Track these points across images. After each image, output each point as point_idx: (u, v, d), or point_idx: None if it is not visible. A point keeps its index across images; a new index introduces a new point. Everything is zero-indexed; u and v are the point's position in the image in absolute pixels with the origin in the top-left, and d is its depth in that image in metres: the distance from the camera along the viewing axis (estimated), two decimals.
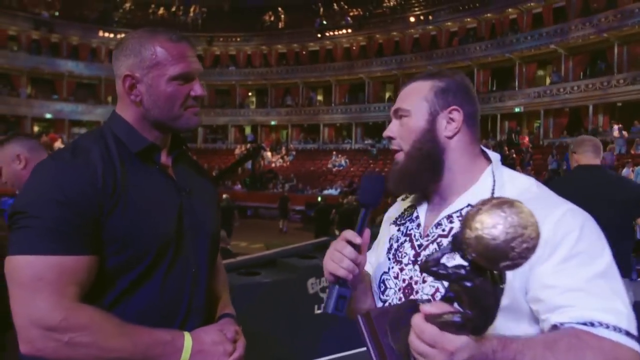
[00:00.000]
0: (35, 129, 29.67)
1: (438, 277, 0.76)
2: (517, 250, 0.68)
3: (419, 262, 1.08)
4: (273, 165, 28.77)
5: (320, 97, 32.76)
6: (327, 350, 4.20)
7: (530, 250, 0.69)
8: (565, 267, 0.93)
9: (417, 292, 1.07)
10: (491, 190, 1.07)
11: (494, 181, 1.09)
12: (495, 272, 0.73)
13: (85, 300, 1.06)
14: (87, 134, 1.24)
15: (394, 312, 0.92)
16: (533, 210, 0.93)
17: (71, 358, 1.03)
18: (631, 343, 0.88)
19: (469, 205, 1.07)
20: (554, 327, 0.92)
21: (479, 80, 25.98)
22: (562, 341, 0.86)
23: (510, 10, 25.31)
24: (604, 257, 0.96)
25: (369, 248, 1.25)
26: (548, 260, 0.94)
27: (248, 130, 33.35)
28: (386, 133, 1.16)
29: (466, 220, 0.71)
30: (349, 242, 1.04)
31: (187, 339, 1.13)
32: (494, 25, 26.08)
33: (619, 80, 20.51)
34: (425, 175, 1.10)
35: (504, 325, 0.93)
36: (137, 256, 1.12)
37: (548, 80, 24.38)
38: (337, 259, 1.03)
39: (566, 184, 3.22)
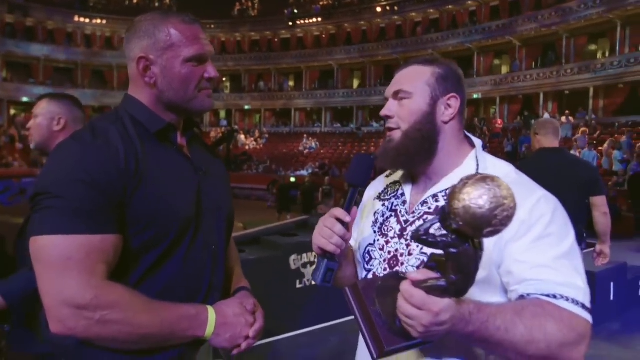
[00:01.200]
0: (12, 112, 28.50)
1: (428, 244, 0.80)
2: (499, 218, 0.73)
3: (405, 236, 1.10)
4: (247, 147, 28.50)
5: (291, 83, 32.50)
6: (309, 322, 4.24)
7: (509, 218, 0.74)
8: (536, 246, 0.97)
9: (402, 264, 1.08)
10: (475, 173, 1.08)
11: (477, 165, 1.11)
12: (475, 240, 0.78)
13: (112, 279, 1.03)
14: (103, 116, 1.18)
15: (379, 283, 0.94)
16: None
17: (102, 336, 1.00)
18: (585, 315, 0.95)
19: (453, 186, 1.09)
20: (521, 297, 0.97)
21: None
22: (528, 309, 0.91)
23: (470, 2, 25.50)
24: (569, 239, 1.01)
25: None
26: (522, 239, 0.98)
27: (223, 114, 32.87)
28: (384, 112, 1.14)
29: (453, 193, 0.75)
30: (339, 220, 1.05)
31: (211, 312, 1.11)
32: (455, 17, 26.26)
33: (567, 70, 21.03)
34: (420, 155, 1.10)
35: (479, 297, 0.97)
36: (160, 235, 1.08)
37: (504, 69, 24.81)
38: (326, 235, 1.05)
39: (531, 166, 3.28)
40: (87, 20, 30.54)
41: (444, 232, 0.78)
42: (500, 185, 0.74)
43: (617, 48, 19.93)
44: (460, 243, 0.77)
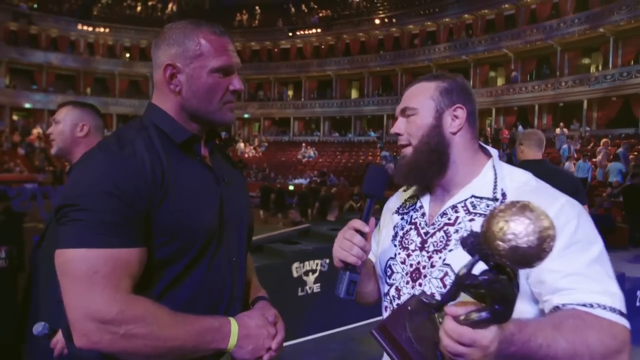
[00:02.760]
0: (15, 117, 28.43)
1: (472, 289, 0.75)
2: (547, 250, 0.69)
3: (426, 248, 1.09)
4: (246, 155, 28.47)
5: (290, 92, 32.55)
6: (310, 329, 4.22)
7: (554, 244, 0.70)
8: (566, 254, 0.96)
9: (425, 276, 1.07)
10: (493, 183, 1.09)
11: (495, 175, 1.10)
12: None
13: (135, 292, 1.01)
14: (128, 125, 1.16)
15: (404, 315, 0.89)
16: (535, 201, 0.97)
17: (126, 350, 0.98)
18: (623, 321, 0.93)
19: (472, 196, 1.09)
20: (556, 308, 0.94)
21: None
22: (567, 322, 0.89)
23: (466, 16, 25.66)
24: (598, 243, 1.00)
25: None
26: None
27: None
28: (393, 130, 1.16)
29: (492, 233, 0.69)
30: (357, 231, 1.05)
31: (234, 324, 1.10)
32: (452, 30, 26.43)
33: (562, 83, 21.16)
34: (432, 168, 1.10)
35: None
36: (185, 247, 1.06)
37: (499, 82, 24.94)
38: (346, 247, 1.04)
39: None
40: (90, 29, 30.55)
41: (484, 268, 0.74)
42: (539, 215, 0.68)
43: (610, 62, 20.08)
44: (502, 275, 0.73)
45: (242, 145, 29.26)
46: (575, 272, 0.95)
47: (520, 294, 0.95)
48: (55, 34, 29.92)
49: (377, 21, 29.01)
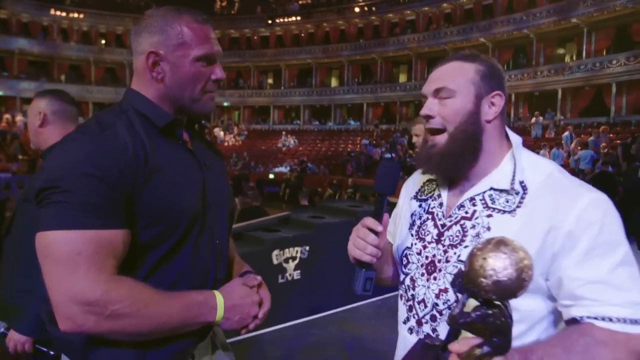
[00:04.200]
0: None
1: (468, 326, 0.77)
2: (527, 280, 0.72)
3: (442, 241, 1.06)
4: (226, 144, 28.24)
5: (270, 81, 32.29)
6: (289, 316, 4.24)
7: (532, 273, 0.74)
8: (588, 259, 0.92)
9: (440, 270, 1.04)
10: (512, 174, 1.03)
11: (515, 165, 1.04)
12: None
13: (120, 274, 1.00)
14: (107, 110, 1.14)
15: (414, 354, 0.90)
16: (558, 200, 0.95)
17: (113, 330, 0.97)
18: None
19: (491, 188, 1.03)
20: (574, 319, 0.93)
21: (417, 68, 26.44)
22: (579, 343, 0.87)
23: (445, 5, 25.76)
24: (623, 245, 0.94)
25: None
26: (572, 252, 0.93)
27: None
28: (424, 111, 1.06)
29: (475, 271, 0.73)
30: (371, 230, 1.02)
31: (219, 296, 1.10)
32: (431, 19, 26.51)
33: (537, 73, 21.50)
34: (467, 158, 1.04)
35: (523, 300, 0.91)
36: (168, 230, 1.06)
37: None
38: (361, 246, 1.02)
39: None
40: (64, 14, 29.67)
41: (476, 304, 0.77)
42: (514, 248, 0.72)
43: (584, 53, 20.48)
44: (493, 309, 0.76)
45: (221, 133, 28.98)
46: (597, 279, 0.91)
47: (535, 291, 0.95)
48: (27, 18, 28.93)
49: (356, 9, 28.90)
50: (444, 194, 1.12)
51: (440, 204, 1.11)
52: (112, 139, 1.02)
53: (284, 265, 4.38)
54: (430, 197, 1.15)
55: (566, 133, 16.17)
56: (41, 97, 1.92)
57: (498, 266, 0.71)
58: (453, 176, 1.10)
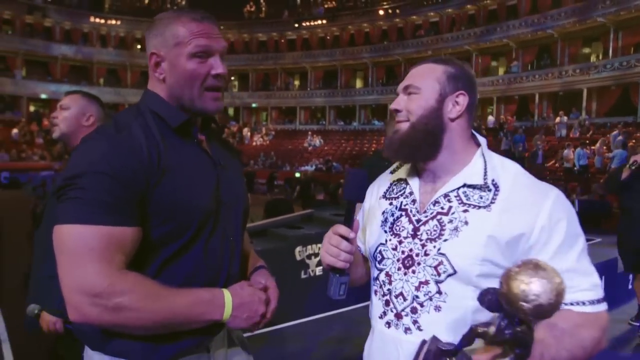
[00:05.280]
0: (31, 108, 28.56)
1: (507, 342, 0.79)
2: (561, 300, 0.74)
3: (419, 235, 1.07)
4: (254, 143, 28.49)
5: (297, 82, 32.40)
6: (313, 310, 4.25)
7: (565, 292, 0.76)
8: (560, 251, 0.99)
9: (419, 264, 1.05)
10: (483, 171, 1.07)
11: (485, 163, 1.08)
12: None
13: (131, 270, 1.01)
14: (125, 110, 1.16)
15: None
16: (529, 197, 1.03)
17: (116, 322, 0.98)
18: (603, 307, 1.01)
19: (465, 184, 1.06)
20: None
21: None
22: (566, 333, 0.94)
23: (468, 6, 25.34)
24: (581, 235, 1.03)
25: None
26: (546, 246, 0.99)
27: (231, 111, 32.84)
28: (393, 106, 1.12)
29: (515, 295, 0.74)
30: (343, 237, 1.03)
31: (227, 294, 1.09)
32: (454, 20, 26.11)
33: (562, 73, 20.91)
34: (424, 149, 1.08)
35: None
36: (181, 228, 1.06)
37: (500, 71, 24.68)
38: (334, 253, 1.03)
39: None
40: (102, 21, 30.51)
41: (506, 323, 0.78)
42: (551, 273, 0.74)
43: (610, 51, 19.80)
44: (523, 326, 0.78)
45: (248, 133, 29.25)
46: (569, 268, 0.97)
47: None
48: (69, 26, 29.88)
49: (381, 12, 28.70)
50: (416, 191, 1.13)
51: (413, 201, 1.12)
52: (126, 140, 1.03)
53: (307, 261, 4.39)
54: (401, 194, 1.16)
55: (614, 132, 15.54)
56: (89, 99, 2.02)
57: (540, 292, 0.73)
58: (410, 162, 1.16)
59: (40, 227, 1.90)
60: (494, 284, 0.97)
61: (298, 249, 4.32)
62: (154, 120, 1.11)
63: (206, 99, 1.14)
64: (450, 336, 0.97)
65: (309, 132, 28.34)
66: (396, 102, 1.12)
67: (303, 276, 4.36)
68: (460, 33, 25.07)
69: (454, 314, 1.01)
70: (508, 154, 16.96)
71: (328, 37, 30.76)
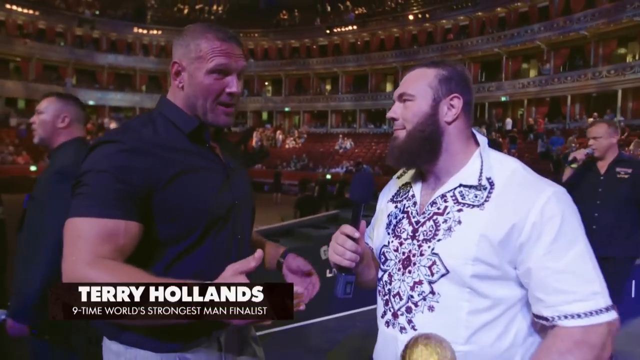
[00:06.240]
0: None
1: None
2: None
3: (417, 237, 1.07)
4: (286, 146, 28.71)
5: (328, 87, 32.46)
6: (337, 309, 4.28)
7: None
8: (552, 250, 0.94)
9: (414, 264, 1.05)
10: (479, 171, 1.05)
11: (482, 163, 1.06)
12: None
13: (139, 265, 1.02)
14: (138, 116, 1.21)
15: None
16: (522, 193, 0.99)
17: None
18: (604, 317, 0.93)
19: (460, 185, 1.05)
20: (546, 319, 0.97)
21: (470, 71, 25.58)
22: (561, 353, 0.93)
23: (499, 9, 24.72)
24: (583, 236, 0.97)
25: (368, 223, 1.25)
26: (537, 243, 0.95)
27: (265, 116, 33.23)
28: (389, 114, 1.12)
29: None
30: (349, 236, 1.03)
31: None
32: (484, 23, 25.54)
33: (595, 74, 20.11)
34: (423, 155, 1.07)
35: (495, 289, 0.98)
36: (189, 228, 1.09)
37: (532, 73, 23.97)
38: (340, 252, 1.04)
39: None
40: (145, 31, 31.50)
41: None
42: (444, 347, 0.81)
43: None
44: None
45: (280, 136, 29.50)
46: (562, 269, 0.94)
47: (506, 280, 0.99)
48: (114, 37, 31.02)
49: (410, 17, 28.41)
50: (417, 193, 1.13)
51: (414, 203, 1.12)
52: (132, 142, 1.07)
53: None
54: (405, 197, 1.16)
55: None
56: (63, 100, 1.99)
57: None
58: (411, 167, 1.15)
59: (21, 230, 1.90)
60: (489, 285, 0.98)
61: (323, 248, 4.36)
62: (166, 125, 1.15)
63: (218, 113, 1.17)
64: (444, 337, 0.96)
65: (340, 135, 28.33)
66: (392, 110, 1.12)
67: (328, 275, 4.38)
68: (490, 36, 24.51)
69: (447, 314, 1.00)
70: (545, 156, 16.44)
71: (358, 43, 30.68)
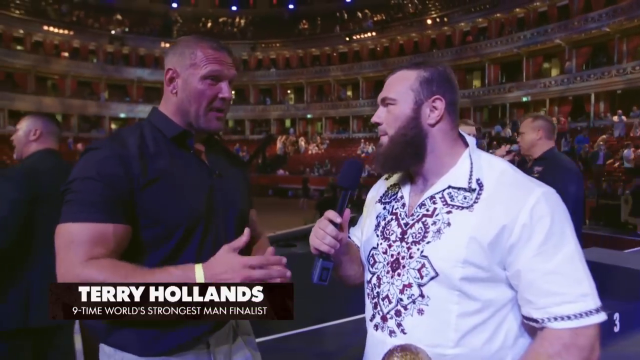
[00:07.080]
0: (113, 126, 30.68)
1: None
2: None
3: (405, 239, 1.04)
4: (309, 152, 28.82)
5: (349, 93, 32.48)
6: (353, 311, 4.24)
7: None
8: (542, 251, 0.92)
9: (403, 267, 1.03)
10: (469, 172, 1.02)
11: (472, 164, 1.03)
12: None
13: None
14: (129, 125, 1.26)
15: None
16: (512, 194, 0.97)
17: None
18: (593, 319, 0.91)
19: (449, 187, 1.03)
20: (535, 320, 0.95)
21: (490, 73, 25.15)
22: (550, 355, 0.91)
23: (517, 10, 24.27)
24: (573, 237, 0.95)
25: (355, 224, 1.23)
26: (527, 244, 0.93)
27: (288, 123, 33.47)
28: (373, 119, 1.10)
29: None
30: (331, 221, 1.02)
31: (198, 268, 1.03)
32: (503, 24, 25.09)
33: (620, 70, 19.46)
34: (407, 159, 1.05)
35: (485, 291, 0.96)
36: (170, 229, 1.11)
37: (553, 72, 23.39)
38: (320, 236, 1.02)
39: None
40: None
41: None
42: (420, 358, 0.80)
43: None
44: None
45: (302, 143, 29.64)
46: (552, 270, 0.92)
47: (496, 282, 0.97)
48: (143, 52, 31.93)
49: (429, 21, 28.18)
50: (406, 195, 1.10)
51: (403, 205, 1.09)
52: (116, 149, 1.11)
53: None
54: (394, 199, 1.13)
55: None
56: (35, 117, 2.20)
57: None
58: (397, 172, 1.13)
59: None
60: (479, 288, 0.96)
61: None
62: (152, 132, 1.19)
63: (210, 118, 1.20)
64: (433, 340, 0.95)
65: (362, 140, 28.27)
66: (376, 115, 1.10)
67: None
68: (509, 37, 24.06)
69: (437, 318, 0.98)
70: (570, 155, 15.97)
71: (378, 49, 30.63)
